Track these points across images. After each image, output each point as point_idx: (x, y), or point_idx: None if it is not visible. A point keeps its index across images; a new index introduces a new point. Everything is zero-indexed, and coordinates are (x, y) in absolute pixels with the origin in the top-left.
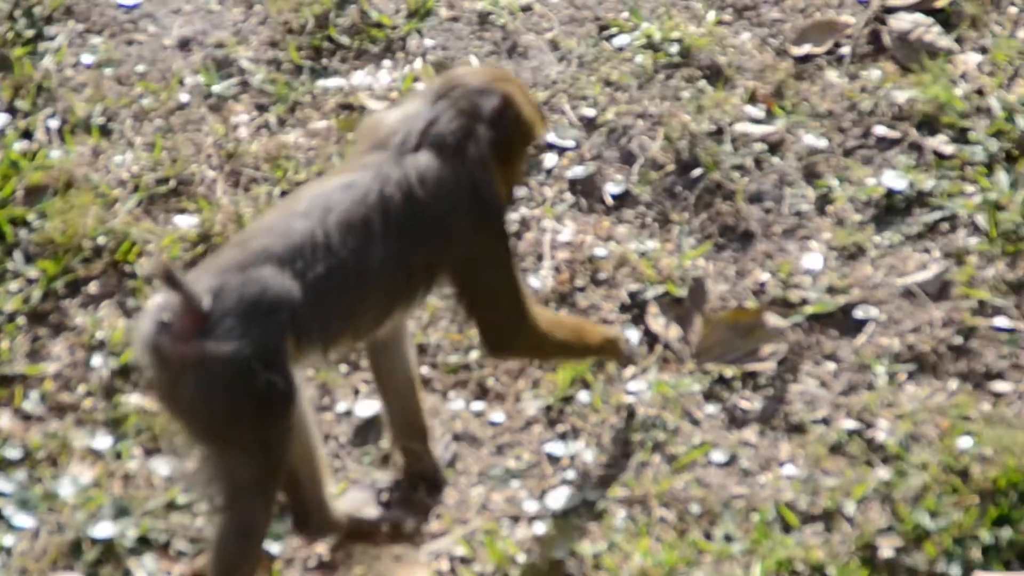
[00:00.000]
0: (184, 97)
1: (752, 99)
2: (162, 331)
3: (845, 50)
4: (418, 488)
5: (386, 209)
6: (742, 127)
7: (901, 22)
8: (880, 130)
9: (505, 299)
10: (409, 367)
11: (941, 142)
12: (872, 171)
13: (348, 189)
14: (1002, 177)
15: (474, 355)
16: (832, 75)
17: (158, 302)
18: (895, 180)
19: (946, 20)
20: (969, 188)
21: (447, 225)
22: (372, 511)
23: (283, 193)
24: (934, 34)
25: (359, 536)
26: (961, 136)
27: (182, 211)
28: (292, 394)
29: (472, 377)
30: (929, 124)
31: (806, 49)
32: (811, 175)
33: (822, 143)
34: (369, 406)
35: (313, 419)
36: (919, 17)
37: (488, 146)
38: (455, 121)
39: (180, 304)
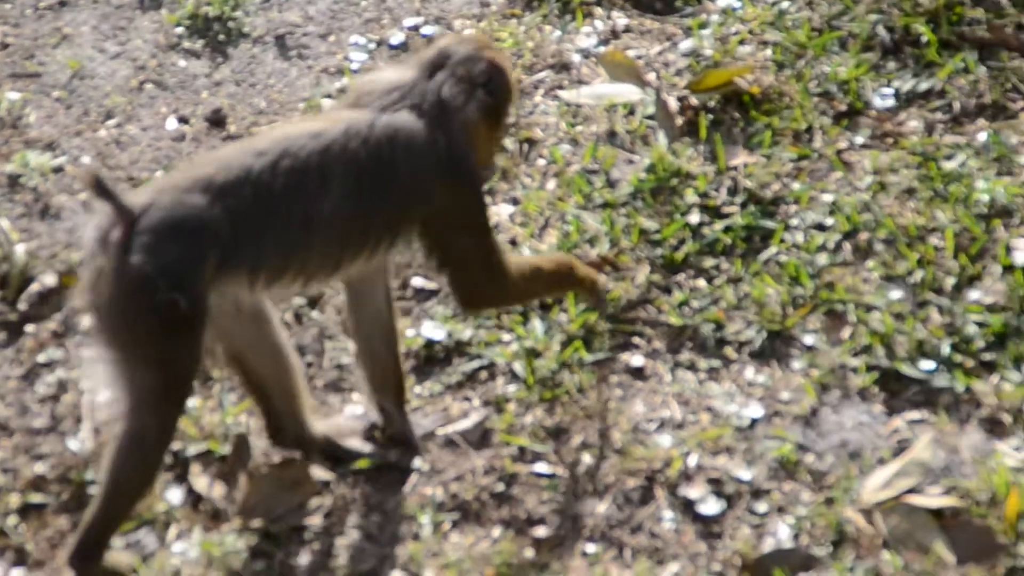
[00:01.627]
0: None
1: None
2: (99, 238)
3: None
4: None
5: (347, 162)
6: None
7: None
8: (418, 281)
9: (478, 259)
10: (384, 320)
11: None
12: (411, 322)
13: (315, 138)
14: (537, 325)
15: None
16: None
17: (104, 210)
18: (434, 330)
19: None
20: (506, 336)
21: (413, 184)
22: (355, 442)
23: None
24: None
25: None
26: None
27: None
28: (197, 316)
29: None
30: None
31: None
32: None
33: None
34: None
35: (285, 337)
36: None
37: (479, 108)
38: (456, 87)
39: (110, 213)
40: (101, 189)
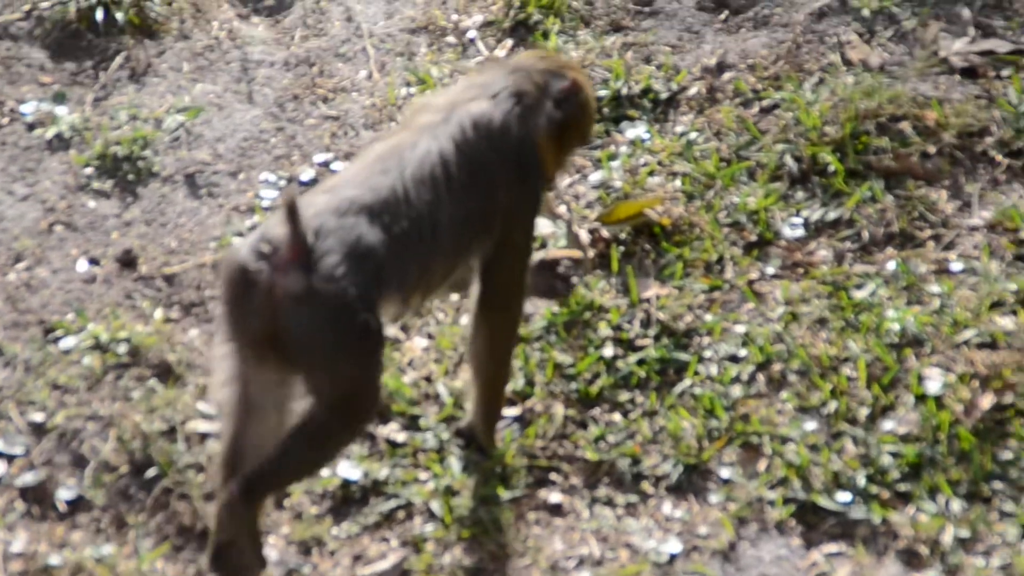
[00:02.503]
0: None
1: (203, 395)
2: (261, 260)
3: None
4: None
5: (446, 163)
6: (195, 425)
7: None
8: None
9: (520, 262)
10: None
11: (393, 430)
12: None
13: (413, 148)
14: (454, 463)
15: None
16: None
17: (257, 234)
18: (350, 470)
19: None
20: (423, 475)
21: (496, 169)
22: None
23: None
24: None
25: None
26: (412, 423)
27: None
28: (383, 336)
29: None
30: (381, 413)
31: None
32: None
33: None
34: None
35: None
36: None
37: (548, 122)
38: (527, 87)
39: (287, 237)
40: (292, 212)
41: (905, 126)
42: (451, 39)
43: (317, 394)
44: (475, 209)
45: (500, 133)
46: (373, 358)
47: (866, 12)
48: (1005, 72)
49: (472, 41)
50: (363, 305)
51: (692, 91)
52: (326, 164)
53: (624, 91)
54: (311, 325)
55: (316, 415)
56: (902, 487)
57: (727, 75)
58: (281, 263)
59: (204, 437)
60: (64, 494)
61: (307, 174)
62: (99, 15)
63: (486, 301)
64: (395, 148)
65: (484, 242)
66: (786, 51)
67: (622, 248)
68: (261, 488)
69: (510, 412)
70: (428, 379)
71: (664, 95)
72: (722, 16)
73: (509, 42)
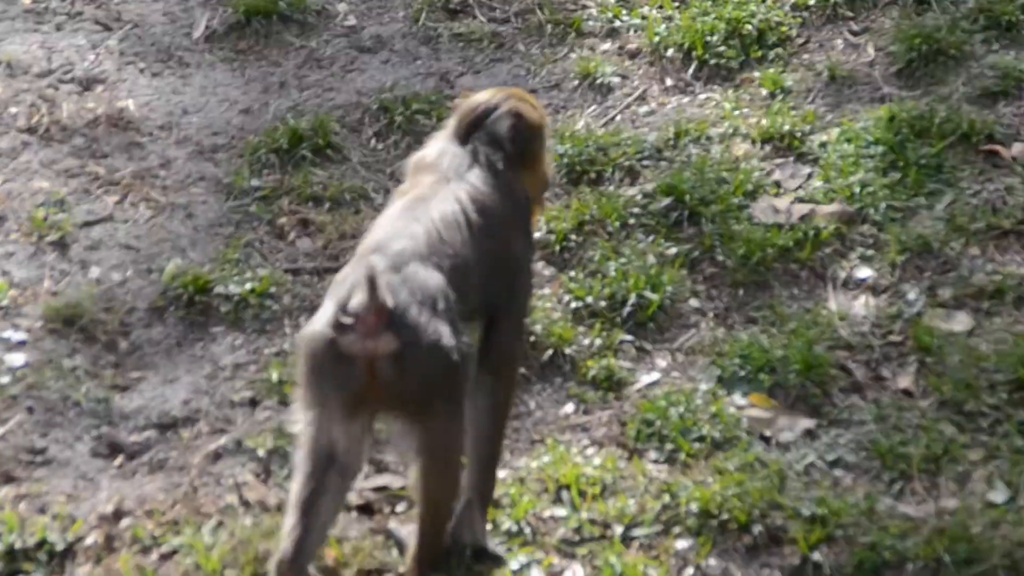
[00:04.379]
0: None
1: None
2: (346, 332)
3: None
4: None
5: (467, 213)
6: None
7: None
8: None
9: (524, 299)
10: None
11: None
12: None
13: (430, 201)
14: None
15: None
16: None
17: (331, 310)
18: None
19: None
20: None
21: (506, 226)
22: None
23: None
24: None
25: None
26: None
27: None
28: (474, 359)
29: None
30: None
31: None
32: None
33: None
34: None
35: None
36: None
37: (513, 159)
38: (487, 150)
39: (368, 304)
40: (373, 282)
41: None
42: None
43: (425, 438)
44: (490, 250)
45: (499, 199)
46: (465, 387)
47: (262, 452)
48: (400, 507)
49: None
50: (452, 342)
51: (89, 540)
52: None
53: (18, 544)
54: (409, 377)
55: (434, 465)
56: None
57: (125, 522)
58: (370, 329)
59: None
60: None
61: None
62: None
63: (487, 363)
64: (417, 199)
65: (498, 285)
66: (183, 495)
67: None
68: (433, 555)
69: None
70: None
71: (60, 546)
72: (117, 462)
73: None
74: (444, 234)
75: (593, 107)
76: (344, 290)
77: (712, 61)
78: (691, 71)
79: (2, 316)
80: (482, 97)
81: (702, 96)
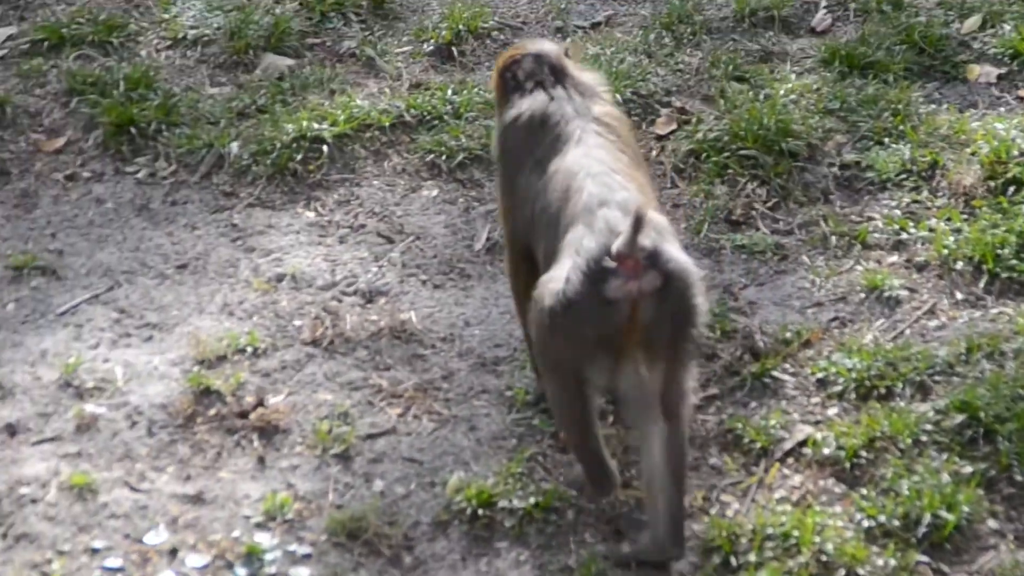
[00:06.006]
0: None
1: None
2: (608, 279)
3: None
4: None
5: (615, 143)
6: None
7: None
8: None
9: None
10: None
11: None
12: None
13: (593, 151)
14: None
15: None
16: None
17: (568, 267)
18: None
19: None
20: None
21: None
22: None
23: None
24: None
25: None
26: None
27: None
28: None
29: None
30: None
31: None
32: None
33: None
34: None
35: None
36: None
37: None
38: (563, 82)
39: (630, 245)
40: (639, 222)
41: None
42: None
43: (679, 361)
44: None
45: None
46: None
47: None
48: None
49: None
50: (701, 274)
51: None
52: None
53: None
54: (674, 315)
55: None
56: None
57: None
58: (636, 270)
59: None
60: None
61: None
62: None
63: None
64: (585, 155)
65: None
66: None
67: None
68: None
69: None
70: None
71: None
72: None
73: None
74: (628, 171)
75: (881, 320)
76: (594, 242)
77: (1004, 275)
78: (982, 284)
79: (287, 529)
80: (510, 54)
81: (994, 310)
